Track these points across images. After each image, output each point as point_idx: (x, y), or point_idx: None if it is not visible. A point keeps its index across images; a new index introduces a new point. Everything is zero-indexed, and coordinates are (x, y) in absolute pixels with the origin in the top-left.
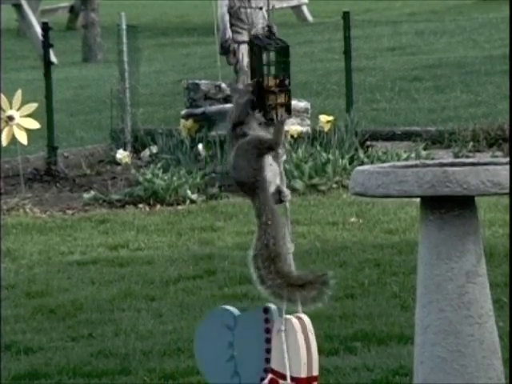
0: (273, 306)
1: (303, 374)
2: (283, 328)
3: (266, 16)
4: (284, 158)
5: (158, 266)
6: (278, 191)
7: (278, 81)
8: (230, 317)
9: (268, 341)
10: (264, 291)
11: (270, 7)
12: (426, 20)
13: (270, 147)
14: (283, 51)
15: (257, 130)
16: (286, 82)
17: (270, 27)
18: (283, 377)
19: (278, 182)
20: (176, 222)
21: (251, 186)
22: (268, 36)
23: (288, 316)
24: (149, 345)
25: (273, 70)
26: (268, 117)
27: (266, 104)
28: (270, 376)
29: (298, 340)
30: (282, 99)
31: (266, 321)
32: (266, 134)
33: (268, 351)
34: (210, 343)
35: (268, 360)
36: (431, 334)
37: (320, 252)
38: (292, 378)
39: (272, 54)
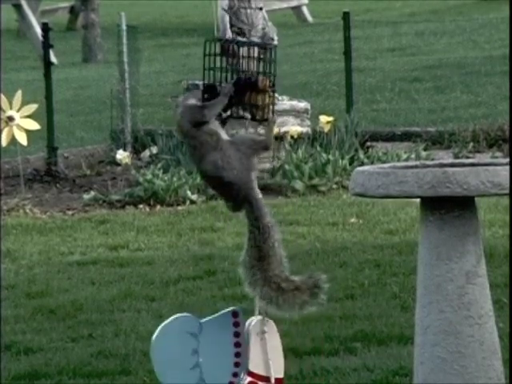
0: (239, 309)
1: (282, 375)
2: (266, 330)
3: (266, 16)
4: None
5: (158, 267)
6: None
7: (268, 81)
8: (195, 324)
9: (237, 345)
10: (256, 294)
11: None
12: (425, 20)
13: (264, 147)
14: (270, 51)
15: (220, 129)
16: (273, 82)
17: (240, 29)
18: (263, 379)
19: None
20: (176, 223)
21: (241, 187)
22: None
23: (266, 318)
24: (149, 345)
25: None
26: (260, 117)
27: (260, 104)
28: (248, 379)
29: (278, 341)
30: (270, 99)
31: (236, 324)
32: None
33: (237, 355)
34: (170, 352)
35: (237, 364)
36: (431, 335)
37: (320, 252)
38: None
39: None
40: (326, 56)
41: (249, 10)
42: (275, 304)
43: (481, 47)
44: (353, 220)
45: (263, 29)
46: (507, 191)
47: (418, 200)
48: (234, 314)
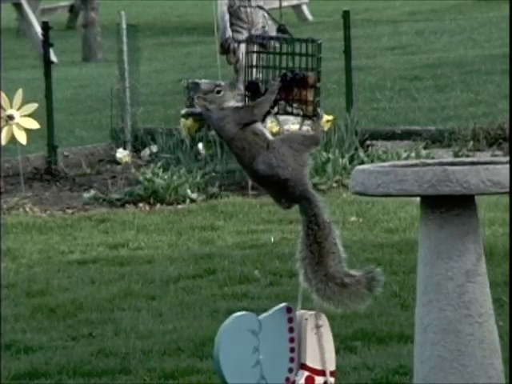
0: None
1: (334, 367)
2: (321, 323)
3: (266, 15)
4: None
5: (158, 266)
6: None
7: (316, 76)
8: (255, 321)
9: (292, 340)
10: (314, 290)
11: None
12: (425, 19)
13: (316, 142)
14: (316, 47)
15: (264, 128)
16: (319, 77)
17: (283, 25)
18: (319, 373)
19: None
20: (176, 221)
21: (297, 183)
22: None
23: (312, 312)
24: (149, 344)
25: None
26: (310, 112)
27: (310, 100)
28: (305, 374)
29: (330, 334)
30: (315, 95)
31: (290, 320)
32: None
33: (292, 350)
34: (233, 352)
35: (292, 359)
36: (431, 333)
37: None
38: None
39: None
40: (325, 55)
41: (249, 9)
42: (336, 299)
43: (481, 46)
44: (353, 219)
45: (263, 27)
46: (507, 190)
47: (418, 199)
48: (288, 309)
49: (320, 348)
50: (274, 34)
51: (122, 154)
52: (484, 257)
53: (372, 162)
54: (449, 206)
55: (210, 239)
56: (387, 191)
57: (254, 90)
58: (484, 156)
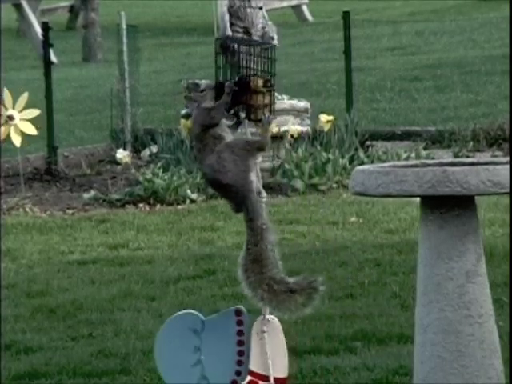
0: (243, 308)
1: (285, 374)
2: (265, 329)
3: (266, 15)
4: (260, 159)
5: (158, 266)
6: (257, 192)
7: (265, 81)
8: (197, 321)
9: (240, 343)
10: (253, 296)
11: (255, 8)
12: (425, 20)
13: (259, 148)
14: (269, 51)
15: (226, 132)
16: (272, 81)
17: (246, 28)
18: (263, 378)
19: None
20: (176, 222)
21: (239, 189)
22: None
23: (270, 317)
24: (149, 344)
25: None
26: (254, 117)
27: (254, 104)
28: (248, 378)
29: (281, 341)
30: (267, 99)
31: (239, 323)
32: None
33: (240, 353)
34: (173, 349)
35: (240, 362)
36: (431, 334)
37: (320, 252)
38: (274, 379)
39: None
40: (325, 55)
41: (249, 9)
42: (271, 305)
43: (481, 46)
44: (353, 219)
45: (263, 28)
46: (507, 190)
47: (418, 199)
48: (238, 312)
49: (263, 354)
50: (274, 34)
51: (122, 154)
52: (484, 257)
53: (372, 162)
54: (449, 207)
55: (210, 240)
56: (387, 192)
57: (220, 91)
58: (484, 156)
